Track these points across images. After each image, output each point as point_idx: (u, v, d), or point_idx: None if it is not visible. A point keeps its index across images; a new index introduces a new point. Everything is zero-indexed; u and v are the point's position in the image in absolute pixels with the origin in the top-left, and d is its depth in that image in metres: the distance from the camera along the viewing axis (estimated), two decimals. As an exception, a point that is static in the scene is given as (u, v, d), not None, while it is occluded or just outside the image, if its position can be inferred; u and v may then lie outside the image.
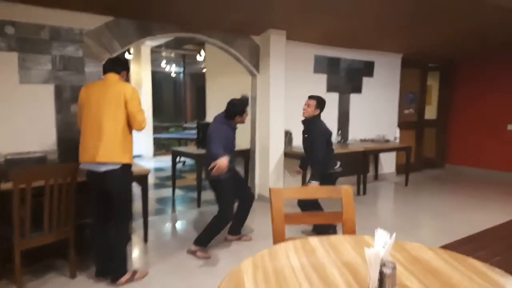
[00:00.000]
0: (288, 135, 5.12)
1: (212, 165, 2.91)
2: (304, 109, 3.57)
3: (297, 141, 5.24)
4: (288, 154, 5.04)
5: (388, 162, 6.69)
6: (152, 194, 5.62)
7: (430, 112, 7.53)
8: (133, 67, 8.92)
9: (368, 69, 6.15)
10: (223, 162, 2.88)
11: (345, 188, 1.72)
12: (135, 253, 3.43)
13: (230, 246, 3.54)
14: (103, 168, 2.57)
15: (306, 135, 3.63)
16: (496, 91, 6.72)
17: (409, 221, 4.36)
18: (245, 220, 3.63)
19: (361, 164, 5.33)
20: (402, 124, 6.74)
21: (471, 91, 7.13)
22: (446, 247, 3.49)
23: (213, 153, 3.02)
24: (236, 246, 3.54)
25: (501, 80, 6.65)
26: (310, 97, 3.60)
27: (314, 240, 1.56)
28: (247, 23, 4.52)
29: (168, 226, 4.25)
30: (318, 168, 3.40)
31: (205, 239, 3.29)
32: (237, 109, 3.26)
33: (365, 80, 6.15)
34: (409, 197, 5.45)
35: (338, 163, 3.63)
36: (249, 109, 3.72)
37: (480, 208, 4.82)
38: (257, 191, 5.22)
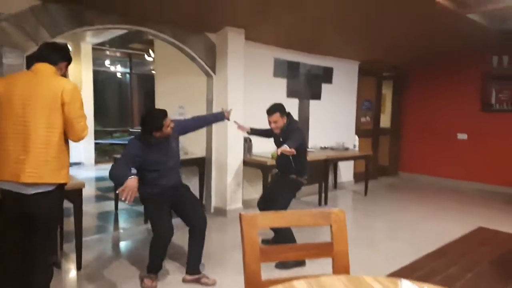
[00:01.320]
0: (247, 142, 4.72)
1: (118, 190, 2.43)
2: (273, 128, 3.24)
3: (257, 149, 4.87)
4: (248, 163, 4.65)
5: (346, 170, 6.57)
6: (92, 208, 4.92)
7: (384, 121, 7.60)
8: (71, 65, 8.02)
9: (327, 75, 5.99)
10: (128, 186, 2.38)
11: (335, 213, 1.36)
12: (64, 285, 2.79)
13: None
14: (31, 191, 1.99)
15: (281, 139, 3.27)
16: (446, 101, 6.92)
17: (374, 233, 4.16)
18: (201, 254, 2.88)
19: (322, 172, 5.10)
20: (359, 132, 6.68)
21: (422, 100, 7.30)
22: (416, 263, 3.33)
23: (112, 177, 2.60)
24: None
25: (450, 91, 6.86)
26: (269, 112, 3.22)
27: (301, 284, 1.17)
28: (201, 18, 4.09)
29: (108, 248, 3.62)
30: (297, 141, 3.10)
31: (150, 264, 2.80)
32: (153, 124, 2.67)
33: (324, 87, 5.98)
34: (370, 207, 5.30)
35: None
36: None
37: (440, 218, 4.78)
38: (213, 203, 4.74)
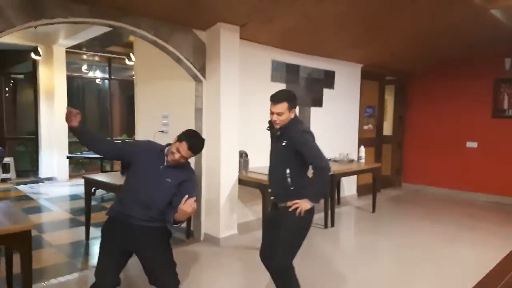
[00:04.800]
0: (243, 157, 4.07)
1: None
2: (274, 121, 2.34)
3: (255, 163, 4.22)
4: (244, 181, 3.99)
5: (349, 183, 5.98)
6: (61, 237, 4.17)
7: (386, 128, 7.07)
8: (42, 70, 7.25)
9: (329, 79, 5.41)
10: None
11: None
12: None
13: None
14: None
15: (284, 143, 2.36)
16: (454, 106, 6.43)
17: (399, 267, 3.49)
18: None
19: (328, 189, 4.47)
20: (362, 141, 6.11)
21: (427, 106, 6.80)
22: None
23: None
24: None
25: (458, 96, 6.38)
26: (275, 100, 2.31)
27: None
28: (189, 12, 3.44)
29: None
30: (324, 179, 2.36)
31: None
32: (184, 132, 2.29)
33: (326, 92, 5.39)
34: (381, 229, 4.68)
35: None
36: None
37: (462, 240, 4.22)
38: (203, 229, 4.05)
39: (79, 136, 2.19)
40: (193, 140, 2.24)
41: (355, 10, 3.94)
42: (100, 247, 2.21)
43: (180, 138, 2.22)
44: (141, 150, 2.30)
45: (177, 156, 2.18)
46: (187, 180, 2.26)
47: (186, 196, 1.99)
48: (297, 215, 2.27)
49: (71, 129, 2.16)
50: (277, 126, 2.36)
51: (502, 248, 3.89)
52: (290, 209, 2.29)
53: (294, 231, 2.34)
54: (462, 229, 4.61)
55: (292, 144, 2.32)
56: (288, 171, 2.34)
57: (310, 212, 2.35)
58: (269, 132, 2.53)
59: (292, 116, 2.36)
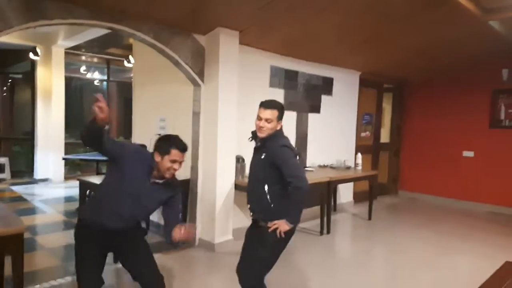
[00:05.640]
0: (240, 162, 4.06)
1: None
2: (260, 128, 2.25)
3: (250, 170, 4.20)
4: (240, 186, 3.97)
5: (345, 190, 5.97)
6: (54, 239, 4.13)
7: (383, 135, 7.08)
8: (40, 71, 7.23)
9: (327, 86, 5.42)
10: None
11: None
12: None
13: None
14: None
15: (263, 156, 2.27)
16: (450, 116, 6.45)
17: (395, 275, 3.51)
18: None
19: (324, 196, 4.46)
20: (359, 148, 6.12)
21: (425, 114, 6.82)
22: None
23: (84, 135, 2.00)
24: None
25: (455, 106, 6.40)
26: (267, 106, 2.26)
27: None
28: (189, 16, 3.45)
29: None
30: (302, 199, 2.24)
31: None
32: (160, 144, 2.11)
33: (324, 99, 5.40)
34: (379, 236, 4.68)
35: None
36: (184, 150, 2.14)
37: (459, 249, 4.23)
38: (198, 235, 4.02)
39: (96, 133, 1.93)
40: (178, 142, 2.10)
41: (352, 21, 3.97)
42: (77, 252, 2.14)
43: (165, 150, 2.04)
44: (131, 156, 2.09)
45: (177, 167, 2.07)
46: (175, 195, 2.22)
47: (183, 228, 2.05)
48: (278, 237, 2.19)
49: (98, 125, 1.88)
50: (262, 135, 2.26)
51: (499, 259, 3.87)
52: (270, 230, 2.21)
53: (270, 251, 2.27)
54: (458, 238, 4.61)
55: (270, 156, 2.24)
56: (266, 187, 2.25)
57: (290, 233, 2.27)
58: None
59: (278, 128, 2.30)
